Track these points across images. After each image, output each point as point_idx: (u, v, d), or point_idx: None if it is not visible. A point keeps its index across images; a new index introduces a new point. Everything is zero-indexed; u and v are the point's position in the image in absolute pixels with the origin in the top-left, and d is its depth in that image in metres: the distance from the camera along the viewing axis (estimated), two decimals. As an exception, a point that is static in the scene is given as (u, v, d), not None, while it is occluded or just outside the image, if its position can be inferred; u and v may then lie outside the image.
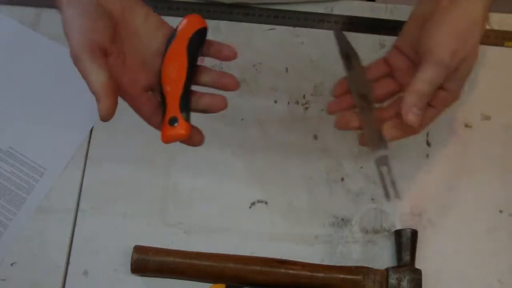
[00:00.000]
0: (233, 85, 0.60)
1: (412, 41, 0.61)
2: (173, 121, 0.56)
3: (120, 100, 0.78)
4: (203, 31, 0.60)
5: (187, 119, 0.57)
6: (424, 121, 0.59)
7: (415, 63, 0.61)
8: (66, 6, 0.55)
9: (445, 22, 0.57)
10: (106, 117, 0.54)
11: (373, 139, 0.62)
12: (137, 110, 0.59)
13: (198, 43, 0.59)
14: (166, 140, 0.57)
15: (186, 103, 0.57)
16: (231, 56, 0.60)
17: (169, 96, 0.57)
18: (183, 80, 0.57)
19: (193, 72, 0.58)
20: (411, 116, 0.57)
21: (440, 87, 0.58)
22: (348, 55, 0.65)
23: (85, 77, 0.54)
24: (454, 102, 0.61)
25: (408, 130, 0.61)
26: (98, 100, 0.54)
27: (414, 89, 0.57)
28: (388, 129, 0.62)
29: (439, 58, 0.56)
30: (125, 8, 0.57)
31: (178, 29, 0.59)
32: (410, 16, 0.62)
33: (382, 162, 0.63)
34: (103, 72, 0.54)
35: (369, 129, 0.62)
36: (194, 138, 0.59)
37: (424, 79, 0.57)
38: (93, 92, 0.54)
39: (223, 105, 0.60)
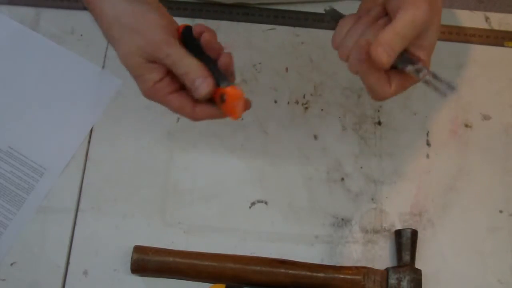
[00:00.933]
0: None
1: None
2: (222, 98, 0.56)
3: (120, 101, 0.79)
4: (188, 28, 0.59)
5: (228, 84, 0.56)
6: (398, 89, 0.57)
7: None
8: (114, 4, 0.56)
9: None
10: (211, 88, 0.56)
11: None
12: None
13: (190, 37, 0.59)
14: (234, 114, 0.56)
15: (220, 77, 0.57)
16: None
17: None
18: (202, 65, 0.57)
19: (205, 57, 0.58)
20: (381, 51, 0.53)
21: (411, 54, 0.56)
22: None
23: (178, 59, 0.56)
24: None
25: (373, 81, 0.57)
26: (200, 76, 0.55)
27: (392, 28, 0.53)
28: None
29: (419, 4, 0.53)
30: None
31: None
32: None
33: (420, 71, 0.56)
34: (192, 56, 0.56)
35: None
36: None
37: (405, 20, 0.53)
38: (193, 71, 0.55)
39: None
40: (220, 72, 0.57)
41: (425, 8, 0.54)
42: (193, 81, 0.55)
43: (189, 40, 0.59)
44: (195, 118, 0.59)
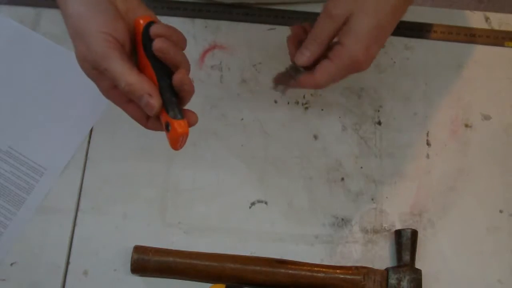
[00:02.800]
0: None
1: None
2: (167, 126, 0.54)
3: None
4: (148, 27, 0.54)
5: (176, 116, 0.54)
6: (324, 73, 0.60)
7: None
8: (72, 3, 0.53)
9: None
10: (158, 110, 0.53)
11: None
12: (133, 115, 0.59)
13: (150, 40, 0.54)
14: (174, 146, 0.55)
15: (170, 102, 0.54)
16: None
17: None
18: (156, 83, 0.54)
19: (163, 70, 0.54)
20: (298, 55, 0.61)
21: (338, 42, 0.60)
22: None
23: (117, 76, 0.52)
24: (355, 65, 0.60)
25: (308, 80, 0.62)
26: (143, 97, 0.53)
27: (309, 35, 0.61)
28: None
29: (325, 7, 0.60)
30: (129, 9, 0.56)
31: (135, 33, 0.55)
32: None
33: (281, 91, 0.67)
34: (136, 71, 0.53)
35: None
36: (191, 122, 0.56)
37: (314, 27, 0.61)
38: (133, 91, 0.52)
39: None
40: (172, 92, 0.54)
41: (329, 8, 0.59)
42: (139, 98, 0.53)
43: (148, 39, 0.54)
44: (149, 129, 0.59)
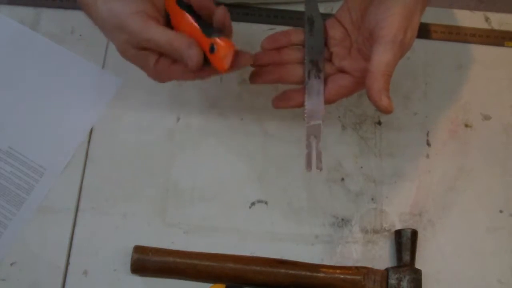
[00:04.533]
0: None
1: (354, 15, 0.64)
2: (211, 49, 0.56)
3: (120, 101, 0.79)
4: None
5: (220, 35, 0.56)
6: (339, 90, 0.62)
7: (351, 34, 0.64)
8: (100, 4, 0.58)
9: (395, 2, 0.58)
10: (199, 59, 0.56)
11: (312, 108, 0.63)
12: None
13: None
14: (222, 66, 0.56)
15: (211, 29, 0.57)
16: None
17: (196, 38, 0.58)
18: (195, 23, 0.58)
19: (200, 20, 0.59)
20: (385, 100, 0.57)
21: (366, 58, 0.60)
22: (312, 19, 0.65)
23: (158, 39, 0.57)
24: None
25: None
26: (184, 50, 0.56)
27: (380, 73, 0.57)
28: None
29: (395, 37, 0.57)
30: None
31: (165, 2, 0.61)
32: None
33: (314, 131, 0.64)
34: (173, 31, 0.57)
35: (312, 98, 0.63)
36: (241, 57, 0.58)
37: (386, 61, 0.57)
38: (175, 47, 0.56)
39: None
40: (213, 26, 0.58)
41: (400, 38, 0.58)
42: (180, 54, 0.57)
43: (182, 3, 0.59)
44: (200, 77, 0.60)
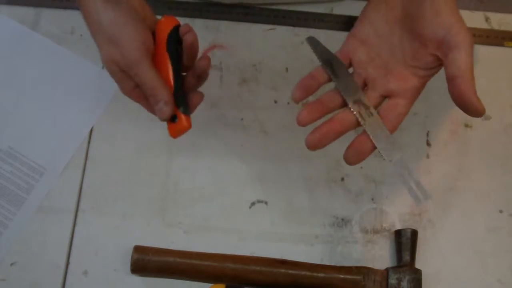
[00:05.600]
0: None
1: (380, 28, 0.60)
2: (173, 118, 0.60)
3: (120, 101, 0.78)
4: (176, 29, 0.61)
5: (185, 111, 0.60)
6: (399, 117, 0.60)
7: (378, 49, 0.60)
8: (103, 11, 0.57)
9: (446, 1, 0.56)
10: (168, 118, 0.59)
11: (385, 145, 0.60)
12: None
13: (175, 41, 0.61)
14: (174, 135, 0.61)
15: (181, 98, 0.60)
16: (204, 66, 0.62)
17: None
18: (171, 78, 0.60)
19: (180, 68, 0.61)
20: (480, 103, 0.55)
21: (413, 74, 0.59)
22: (329, 61, 0.62)
23: (145, 81, 0.58)
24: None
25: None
26: (160, 103, 0.58)
27: (471, 78, 0.55)
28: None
29: (471, 41, 0.55)
30: (146, 17, 0.62)
31: (156, 32, 0.61)
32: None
33: (401, 164, 0.60)
34: (160, 77, 0.59)
35: (378, 137, 0.60)
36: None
37: (471, 65, 0.56)
38: (155, 95, 0.58)
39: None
40: (183, 93, 0.61)
41: (470, 38, 0.55)
42: (156, 103, 0.59)
43: (173, 40, 0.61)
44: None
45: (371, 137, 0.59)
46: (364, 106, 0.60)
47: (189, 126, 0.60)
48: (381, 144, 0.60)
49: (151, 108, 0.61)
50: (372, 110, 0.60)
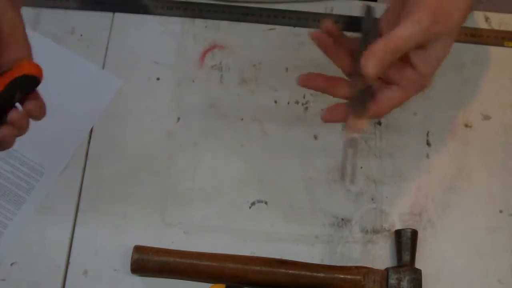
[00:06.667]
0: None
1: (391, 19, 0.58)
2: None
3: (120, 101, 0.79)
4: (31, 80, 0.56)
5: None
6: (389, 102, 0.58)
7: None
8: None
9: None
10: None
11: (353, 119, 0.59)
12: None
13: (21, 86, 0.55)
14: None
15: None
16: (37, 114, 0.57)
17: None
18: None
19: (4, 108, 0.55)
20: (370, 63, 0.52)
21: (410, 64, 0.56)
22: (367, 37, 0.60)
23: None
24: (422, 88, 0.57)
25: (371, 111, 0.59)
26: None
27: (384, 41, 0.53)
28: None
29: (419, 18, 0.53)
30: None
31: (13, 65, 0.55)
32: None
33: (351, 144, 0.61)
34: None
35: (355, 101, 0.59)
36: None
37: (398, 35, 0.53)
38: None
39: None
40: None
41: (426, 24, 0.53)
42: None
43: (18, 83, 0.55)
44: None
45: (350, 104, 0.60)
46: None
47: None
48: (351, 112, 0.59)
49: None
50: (369, 89, 0.59)
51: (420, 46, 0.55)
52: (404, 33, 0.53)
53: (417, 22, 0.53)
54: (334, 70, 0.80)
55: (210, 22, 0.82)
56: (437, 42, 0.55)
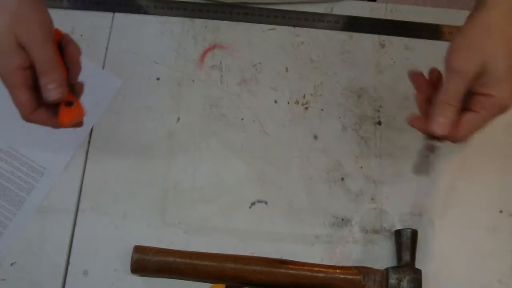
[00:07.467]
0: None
1: None
2: (69, 103, 0.60)
3: (120, 101, 0.79)
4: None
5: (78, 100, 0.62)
6: (466, 127, 0.60)
7: None
8: None
9: (459, 29, 0.58)
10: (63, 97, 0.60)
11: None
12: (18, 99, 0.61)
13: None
14: (67, 121, 0.61)
15: (71, 87, 0.62)
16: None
17: None
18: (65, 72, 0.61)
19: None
20: (434, 124, 0.59)
21: (476, 93, 0.59)
22: None
23: (45, 57, 0.59)
24: (503, 106, 0.59)
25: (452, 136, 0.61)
26: (57, 80, 0.60)
27: (437, 100, 0.59)
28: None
29: (452, 65, 0.58)
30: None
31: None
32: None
33: (430, 148, 0.71)
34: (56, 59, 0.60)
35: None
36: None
37: (444, 89, 0.59)
38: (53, 73, 0.59)
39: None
40: (72, 85, 0.62)
41: (458, 64, 0.58)
42: (50, 82, 0.58)
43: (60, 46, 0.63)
44: (28, 119, 0.62)
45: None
46: None
47: (83, 114, 0.61)
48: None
49: (26, 99, 0.60)
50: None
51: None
52: (447, 86, 0.59)
53: (451, 70, 0.58)
54: (332, 70, 0.81)
55: (210, 22, 0.82)
56: (488, 68, 0.57)
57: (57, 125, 0.62)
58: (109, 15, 0.82)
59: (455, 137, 0.60)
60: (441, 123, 0.59)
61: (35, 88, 0.60)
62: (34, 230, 0.72)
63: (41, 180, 0.74)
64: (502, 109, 0.59)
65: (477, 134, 0.77)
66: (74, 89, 0.62)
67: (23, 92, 0.59)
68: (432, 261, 0.71)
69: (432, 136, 0.61)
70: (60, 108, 0.60)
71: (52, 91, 0.58)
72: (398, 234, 0.70)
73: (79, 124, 0.63)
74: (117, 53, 0.80)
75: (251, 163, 0.75)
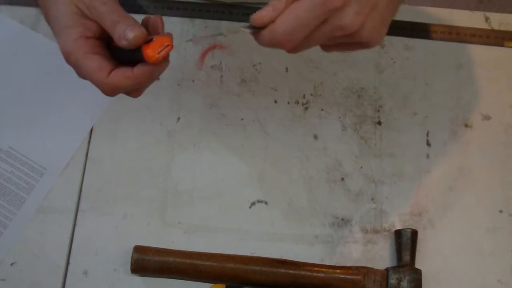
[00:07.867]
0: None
1: None
2: (149, 40, 0.55)
3: (120, 101, 0.79)
4: None
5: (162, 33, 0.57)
6: (283, 17, 0.52)
7: None
8: None
9: None
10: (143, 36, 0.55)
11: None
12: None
13: None
14: (153, 52, 0.54)
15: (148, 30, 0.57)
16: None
17: None
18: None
19: None
20: (256, 14, 0.52)
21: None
22: None
23: (114, 15, 0.55)
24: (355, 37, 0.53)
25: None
26: (130, 25, 0.55)
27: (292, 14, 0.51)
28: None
29: None
30: None
31: None
32: None
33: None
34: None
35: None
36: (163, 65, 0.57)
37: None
38: (124, 22, 0.55)
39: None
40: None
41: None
42: (126, 27, 0.54)
43: None
44: (105, 87, 0.57)
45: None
46: None
47: (171, 41, 0.55)
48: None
49: (100, 63, 0.56)
50: None
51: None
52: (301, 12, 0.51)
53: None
54: (332, 70, 0.81)
55: (210, 22, 0.82)
56: (346, 6, 0.51)
57: (141, 76, 0.55)
58: (109, 15, 0.82)
59: (274, 30, 0.52)
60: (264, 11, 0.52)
61: (105, 55, 0.56)
62: (34, 230, 0.72)
63: (41, 180, 0.74)
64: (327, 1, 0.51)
65: (477, 134, 0.77)
66: (148, 29, 0.57)
67: (92, 58, 0.56)
68: (432, 261, 0.71)
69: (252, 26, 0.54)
70: (142, 50, 0.55)
71: (130, 33, 0.53)
72: (398, 234, 0.70)
73: (167, 56, 0.55)
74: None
75: (251, 163, 0.75)
